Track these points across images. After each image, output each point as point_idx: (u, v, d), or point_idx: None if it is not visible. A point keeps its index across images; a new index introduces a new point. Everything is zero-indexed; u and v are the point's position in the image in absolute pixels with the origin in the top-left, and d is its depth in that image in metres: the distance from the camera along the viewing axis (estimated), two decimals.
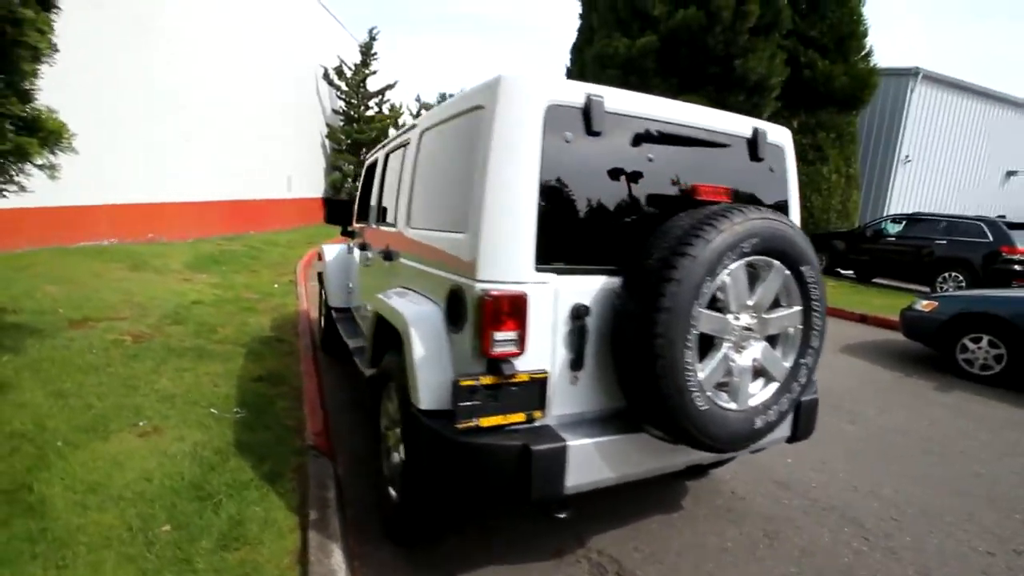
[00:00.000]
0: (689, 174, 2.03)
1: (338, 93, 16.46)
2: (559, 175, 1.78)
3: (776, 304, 1.87)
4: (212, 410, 3.34)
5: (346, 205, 4.10)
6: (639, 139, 1.93)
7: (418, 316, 1.96)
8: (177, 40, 9.92)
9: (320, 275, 5.23)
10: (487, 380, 1.67)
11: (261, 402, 3.52)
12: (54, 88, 2.89)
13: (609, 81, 11.62)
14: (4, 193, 2.08)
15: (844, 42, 11.84)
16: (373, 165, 3.87)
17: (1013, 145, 15.50)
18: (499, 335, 1.68)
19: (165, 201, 9.85)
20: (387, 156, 3.26)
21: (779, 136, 2.28)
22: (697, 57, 10.93)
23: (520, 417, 1.74)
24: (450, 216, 2.02)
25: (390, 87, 17.28)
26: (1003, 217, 10.02)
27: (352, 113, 16.73)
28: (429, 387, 1.83)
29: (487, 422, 1.69)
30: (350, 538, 2.25)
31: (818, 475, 3.11)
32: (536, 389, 1.75)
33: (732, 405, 1.79)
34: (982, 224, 8.84)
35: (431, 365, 1.86)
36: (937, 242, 9.25)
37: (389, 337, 2.47)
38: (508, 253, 1.73)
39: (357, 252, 4.06)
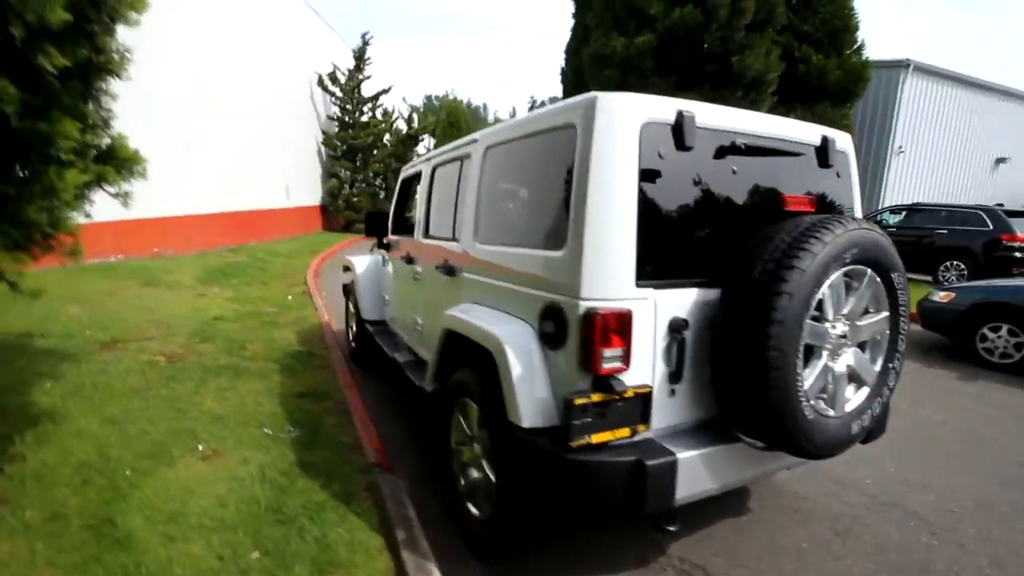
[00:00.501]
0: (768, 184, 2.07)
1: (332, 99, 16.35)
2: (654, 191, 1.81)
3: (866, 311, 1.92)
4: (265, 430, 3.32)
5: (384, 217, 4.10)
6: (723, 152, 1.96)
7: (511, 335, 1.97)
8: (174, 51, 9.80)
9: (347, 287, 5.22)
10: (597, 397, 1.70)
11: (310, 419, 3.51)
12: None
13: (607, 80, 11.69)
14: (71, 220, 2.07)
15: (837, 36, 12.00)
16: (413, 178, 3.87)
17: (1001, 132, 15.86)
18: (607, 352, 1.71)
19: (167, 215, 9.73)
20: (434, 169, 3.27)
21: (844, 143, 2.32)
22: (695, 55, 11.01)
23: (626, 432, 1.77)
24: (538, 234, 2.04)
25: (384, 92, 17.20)
26: (1001, 205, 10.25)
27: (347, 119, 16.62)
28: (530, 405, 1.85)
29: (598, 439, 1.71)
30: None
31: (871, 471, 3.17)
32: (640, 404, 1.77)
33: (831, 412, 1.83)
34: (982, 213, 9.04)
35: (530, 384, 1.87)
36: (938, 231, 9.43)
37: (462, 353, 2.49)
38: (611, 270, 1.75)
39: (394, 264, 4.06)
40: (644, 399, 1.78)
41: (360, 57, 16.73)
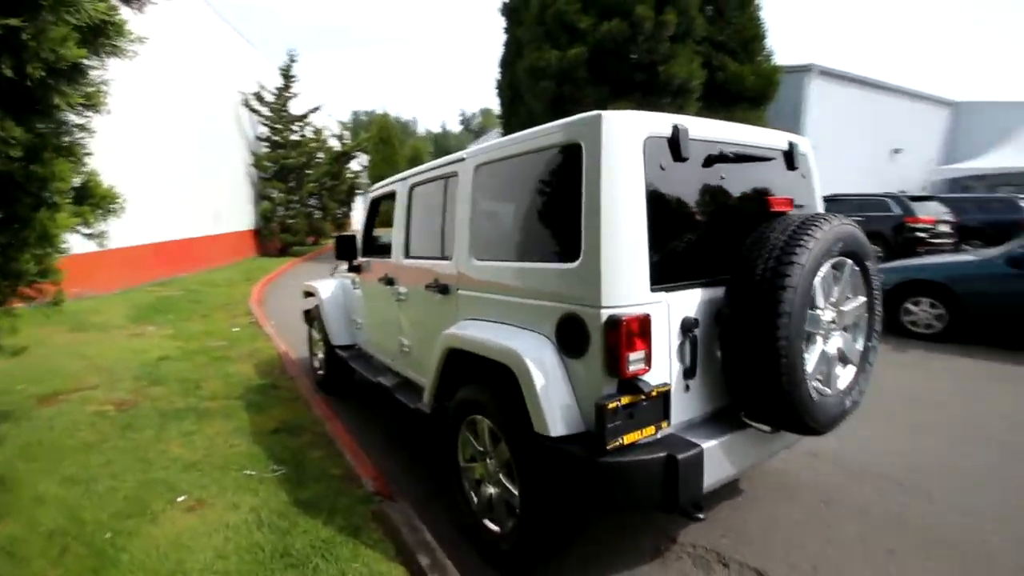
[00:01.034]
0: (750, 187, 2.23)
1: (260, 119, 15.67)
2: (658, 200, 1.91)
3: (848, 297, 2.11)
4: (247, 472, 3.15)
5: (353, 239, 4.00)
6: (711, 160, 2.10)
7: (528, 347, 2.00)
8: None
9: (310, 313, 5.03)
10: (626, 399, 1.76)
11: (293, 455, 3.35)
12: None
13: (543, 92, 11.99)
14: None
15: (749, 45, 12.95)
16: (384, 198, 3.81)
17: (895, 126, 17.78)
18: (632, 355, 1.78)
19: (85, 251, 8.95)
20: (412, 189, 3.24)
21: (805, 147, 2.55)
22: (624, 66, 11.54)
23: (652, 430, 1.84)
24: (546, 248, 2.09)
25: (315, 110, 16.70)
26: (904, 192, 11.42)
27: (277, 138, 15.98)
28: (556, 414, 1.89)
29: (628, 439, 1.78)
30: None
31: (838, 442, 3.42)
32: (661, 402, 1.85)
33: (828, 391, 2.00)
34: (888, 199, 10.04)
35: (554, 393, 1.91)
36: (854, 218, 10.32)
37: (466, 370, 2.49)
38: (628, 277, 1.83)
39: (368, 287, 3.97)
40: (665, 397, 1.86)
41: (287, 75, 16.18)
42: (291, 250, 16.70)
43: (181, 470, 3.15)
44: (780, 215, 2.08)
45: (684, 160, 1.97)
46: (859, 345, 2.17)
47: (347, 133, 21.41)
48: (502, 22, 13.91)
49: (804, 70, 14.59)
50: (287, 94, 16.24)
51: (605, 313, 1.80)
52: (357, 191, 21.88)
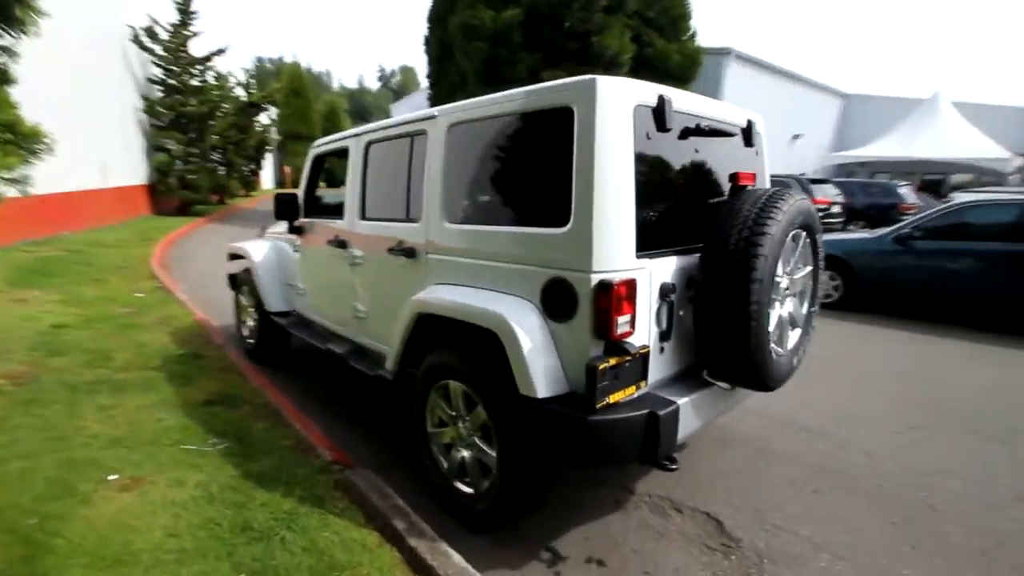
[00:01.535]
0: (716, 161, 2.35)
1: (153, 58, 13.82)
2: (644, 169, 1.96)
3: (799, 266, 2.31)
4: (184, 446, 2.92)
5: (295, 199, 3.71)
6: (687, 133, 2.18)
7: (513, 311, 2.00)
8: None
9: (237, 278, 4.66)
10: (614, 361, 1.83)
11: (234, 428, 3.15)
12: None
13: (477, 52, 11.68)
14: None
15: (676, 23, 13.37)
16: (330, 155, 3.56)
17: (797, 113, 19.37)
18: (621, 319, 1.84)
19: None
20: (368, 146, 3.06)
21: (760, 125, 2.71)
22: (559, 33, 11.50)
23: (632, 390, 1.93)
24: (530, 212, 2.08)
25: (219, 52, 14.95)
26: (804, 174, 12.53)
27: (174, 82, 14.22)
28: (543, 376, 1.92)
29: (614, 399, 1.86)
30: None
31: (766, 399, 3.80)
32: (641, 363, 1.95)
33: (781, 351, 2.20)
34: (792, 181, 10.98)
35: (541, 355, 1.94)
36: None
37: (436, 335, 2.45)
38: (618, 244, 1.87)
39: (311, 250, 3.74)
40: (644, 358, 1.95)
41: (185, 9, 14.34)
42: (192, 209, 15.20)
43: (105, 447, 2.86)
44: (744, 189, 2.21)
45: (667, 131, 2.03)
46: (804, 310, 2.40)
47: (253, 82, 19.51)
48: None
49: (723, 53, 15.36)
50: (185, 32, 14.43)
51: (595, 278, 1.84)
52: (267, 147, 20.24)
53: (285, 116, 27.48)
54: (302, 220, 3.78)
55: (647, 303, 1.98)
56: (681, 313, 2.15)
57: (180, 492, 2.46)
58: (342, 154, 3.40)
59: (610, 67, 11.92)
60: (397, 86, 73.13)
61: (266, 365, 4.35)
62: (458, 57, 12.66)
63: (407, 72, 74.98)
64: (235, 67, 17.47)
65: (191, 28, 14.58)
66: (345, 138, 3.34)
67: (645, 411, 1.87)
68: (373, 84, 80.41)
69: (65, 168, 10.71)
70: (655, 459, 1.91)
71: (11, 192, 1.56)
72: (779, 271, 2.12)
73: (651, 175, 2.02)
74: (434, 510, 2.43)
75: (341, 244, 3.23)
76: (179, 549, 2.08)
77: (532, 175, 2.12)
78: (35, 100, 9.79)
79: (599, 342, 1.87)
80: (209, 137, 15.12)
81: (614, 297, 1.81)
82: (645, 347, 1.96)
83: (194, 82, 14.78)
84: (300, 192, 3.81)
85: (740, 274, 1.91)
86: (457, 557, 2.02)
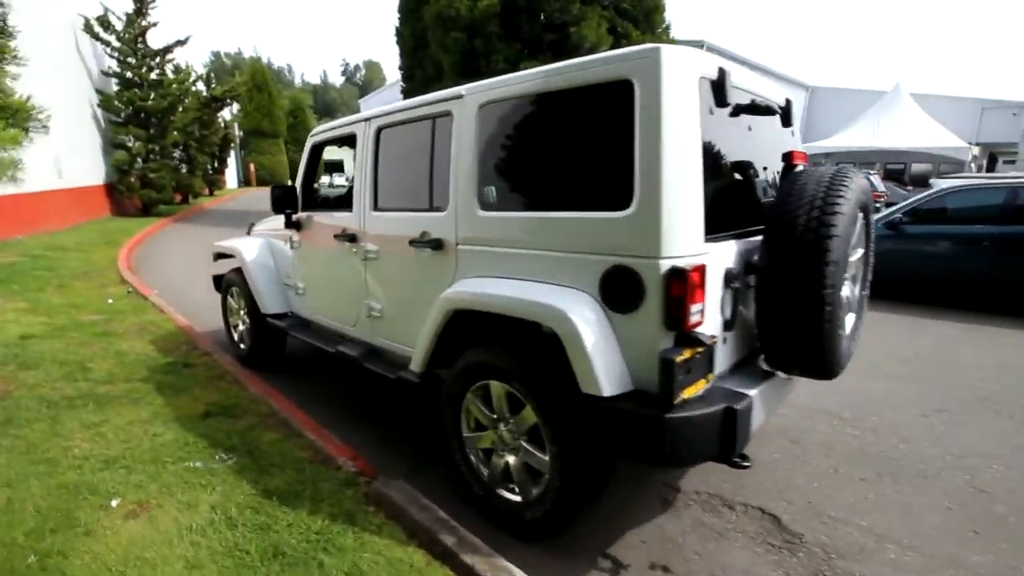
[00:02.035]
0: (763, 140, 2.25)
1: (108, 50, 13.00)
2: (708, 147, 1.83)
3: (856, 248, 2.22)
4: (189, 464, 2.67)
5: (293, 191, 3.45)
6: (740, 110, 2.06)
7: (571, 304, 1.84)
8: None
9: (225, 280, 4.37)
10: (688, 353, 1.70)
11: (241, 441, 2.91)
12: None
13: (454, 43, 11.43)
14: None
15: (650, 15, 13.38)
16: (335, 142, 3.31)
17: None
18: (695, 307, 1.71)
19: None
20: (379, 131, 2.84)
21: (795, 105, 2.62)
22: (536, 24, 11.35)
23: (703, 384, 1.81)
24: (584, 195, 1.92)
25: (181, 43, 14.17)
26: None
27: (131, 75, 13.42)
28: (608, 373, 1.78)
29: (688, 393, 1.73)
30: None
31: None
32: (709, 355, 1.83)
33: (843, 335, 2.11)
34: None
35: (605, 351, 1.79)
36: None
37: (473, 332, 2.28)
38: (687, 227, 1.74)
39: (312, 246, 3.49)
40: (711, 350, 1.83)
41: None
42: (155, 209, 14.45)
43: (99, 468, 2.58)
44: (798, 169, 2.11)
45: (727, 105, 1.91)
46: (857, 292, 2.32)
47: (212, 76, 18.66)
48: None
49: (697, 45, 15.53)
50: (143, 22, 13.64)
51: (666, 264, 1.70)
52: (231, 143, 19.46)
53: (248, 112, 26.53)
54: (301, 214, 3.53)
55: (714, 291, 1.86)
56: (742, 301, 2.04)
57: (194, 516, 2.22)
58: (346, 141, 3.17)
59: None
60: (362, 81, 71.69)
61: (261, 371, 4.08)
62: (433, 49, 12.38)
63: (371, 67, 73.60)
64: (192, 61, 16.61)
65: (148, 18, 13.80)
66: (351, 123, 3.11)
67: (721, 406, 1.75)
68: (337, 79, 78.61)
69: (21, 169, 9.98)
70: (731, 456, 1.79)
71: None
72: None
73: (712, 154, 1.89)
74: (476, 520, 2.27)
75: (351, 238, 3.01)
76: None
77: (584, 155, 1.96)
78: None
79: (670, 333, 1.74)
80: (171, 133, 14.37)
81: (689, 284, 1.67)
82: (713, 337, 1.83)
83: (153, 75, 14.01)
84: (298, 184, 3.55)
85: (812, 256, 1.80)
86: (520, 573, 1.86)
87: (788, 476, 2.67)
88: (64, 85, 11.80)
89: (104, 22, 12.74)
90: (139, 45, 13.57)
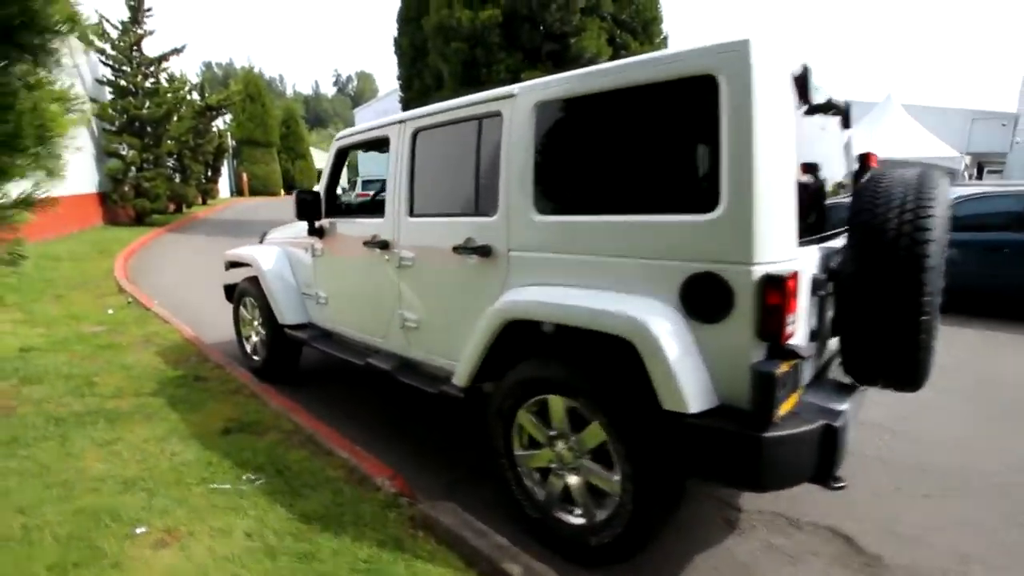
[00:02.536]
0: (830, 141, 2.16)
1: (102, 58, 12.79)
2: (797, 146, 1.73)
3: None
4: (214, 486, 2.49)
5: (318, 197, 3.31)
6: (814, 109, 1.97)
7: (649, 313, 1.72)
8: None
9: (238, 289, 4.20)
10: (787, 366, 1.58)
11: (268, 459, 2.74)
12: None
13: (455, 54, 11.39)
14: None
15: (648, 26, 13.47)
16: (364, 146, 3.19)
17: None
18: (790, 317, 1.60)
19: None
20: (416, 134, 2.72)
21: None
22: (537, 34, 11.38)
23: (795, 398, 1.69)
24: (662, 196, 1.81)
25: (177, 51, 13.99)
26: None
27: (126, 84, 13.21)
28: (694, 387, 1.65)
29: (783, 409, 1.61)
30: None
31: None
32: (799, 367, 1.71)
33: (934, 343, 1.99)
34: None
35: (689, 364, 1.67)
36: None
37: (528, 344, 2.15)
38: (780, 230, 1.63)
39: (337, 254, 3.35)
40: (804, 363, 1.72)
41: (136, 6, 13.36)
42: (149, 218, 14.16)
43: (119, 491, 2.40)
44: (875, 171, 2.02)
45: (809, 103, 1.81)
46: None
47: (205, 85, 18.46)
48: None
49: None
50: (138, 30, 13.46)
51: (759, 270, 1.58)
52: (225, 152, 19.24)
53: (241, 122, 26.31)
54: (325, 221, 3.38)
55: (804, 299, 1.75)
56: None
57: (229, 544, 2.05)
58: (377, 145, 3.05)
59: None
60: (354, 92, 71.76)
61: (277, 384, 3.90)
62: (433, 59, 12.35)
63: (364, 78, 73.75)
64: (185, 71, 16.42)
65: (144, 27, 13.62)
66: (383, 126, 2.98)
67: (820, 423, 1.63)
68: (329, 90, 78.62)
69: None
70: (829, 477, 1.67)
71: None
72: None
73: (800, 153, 1.78)
74: (532, 544, 2.12)
75: (383, 245, 2.87)
76: None
77: (662, 155, 1.85)
78: None
79: (762, 345, 1.62)
80: (166, 142, 14.13)
81: (787, 292, 1.56)
82: (809, 349, 1.72)
83: (148, 83, 13.80)
84: (321, 189, 3.41)
85: (908, 262, 1.69)
86: None
87: (850, 493, 2.53)
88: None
89: (99, 31, 12.53)
90: (134, 53, 13.37)
